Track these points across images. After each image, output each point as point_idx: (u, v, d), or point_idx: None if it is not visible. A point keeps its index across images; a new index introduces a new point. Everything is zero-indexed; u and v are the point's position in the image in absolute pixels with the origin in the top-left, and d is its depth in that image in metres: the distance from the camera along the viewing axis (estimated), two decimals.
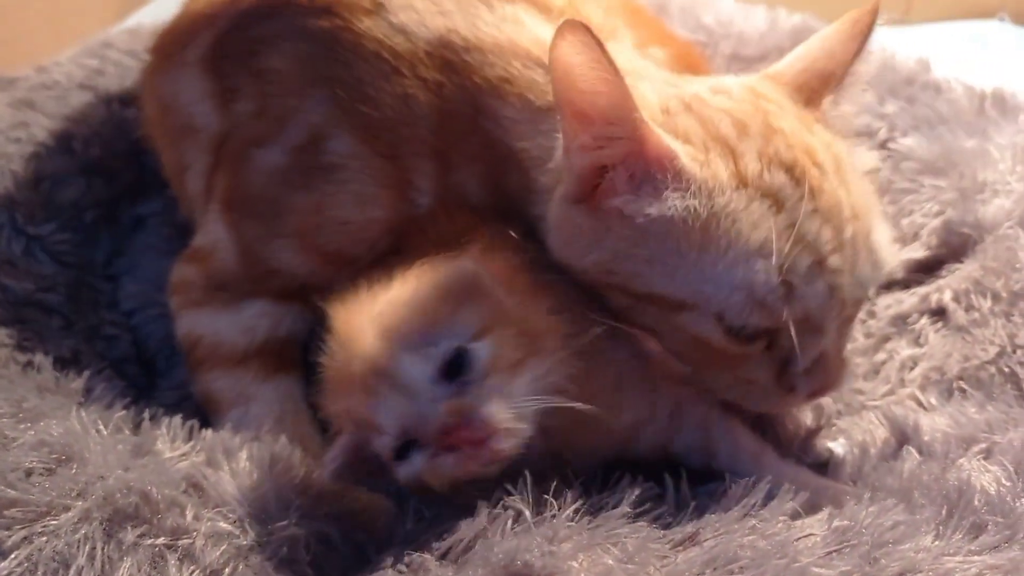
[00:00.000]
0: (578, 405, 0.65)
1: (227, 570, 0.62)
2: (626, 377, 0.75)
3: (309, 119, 0.86)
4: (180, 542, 0.63)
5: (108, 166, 1.13)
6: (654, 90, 0.76)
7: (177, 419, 0.78)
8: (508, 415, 0.64)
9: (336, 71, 0.84)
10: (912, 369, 0.91)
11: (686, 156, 0.70)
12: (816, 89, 0.79)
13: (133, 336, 1.02)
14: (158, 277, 1.01)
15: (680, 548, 0.63)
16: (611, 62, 0.66)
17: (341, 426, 0.71)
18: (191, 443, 0.76)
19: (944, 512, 0.65)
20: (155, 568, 0.62)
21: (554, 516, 0.64)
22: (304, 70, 0.87)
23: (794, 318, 0.70)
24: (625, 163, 0.71)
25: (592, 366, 0.71)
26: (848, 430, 0.85)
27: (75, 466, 0.68)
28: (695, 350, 0.74)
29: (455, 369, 0.64)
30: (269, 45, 0.88)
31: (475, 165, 0.83)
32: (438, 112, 0.82)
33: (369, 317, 0.67)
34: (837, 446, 0.84)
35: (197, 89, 0.95)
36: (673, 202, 0.69)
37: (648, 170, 0.70)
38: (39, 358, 0.88)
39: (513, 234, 0.77)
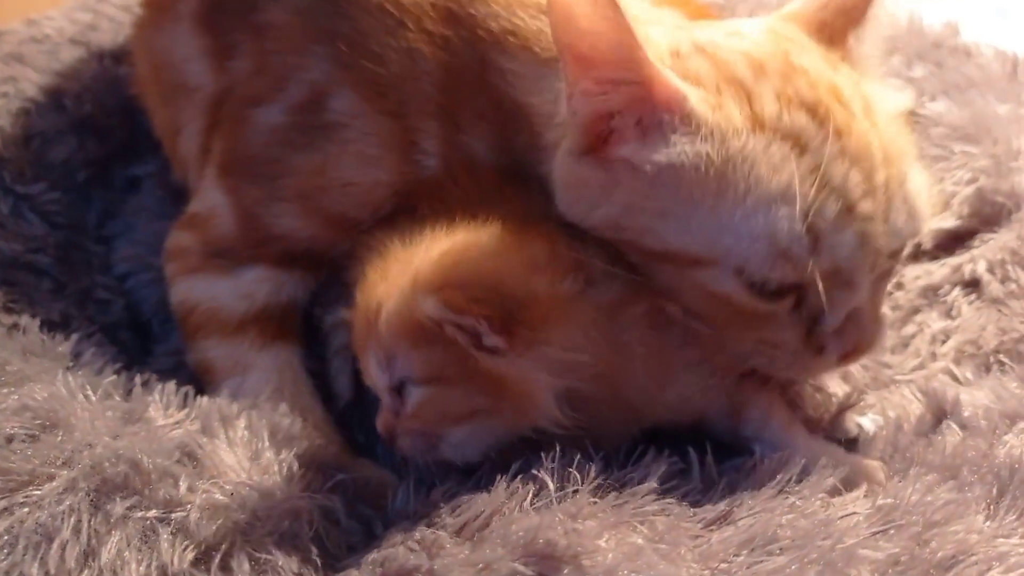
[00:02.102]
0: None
1: (224, 545, 0.58)
2: (678, 354, 0.71)
3: (310, 76, 0.82)
4: (173, 515, 0.59)
5: (100, 124, 1.10)
6: (665, 34, 0.71)
7: (171, 385, 0.74)
8: (424, 452, 0.68)
9: (339, 25, 0.80)
10: (944, 342, 0.87)
11: (696, 98, 0.66)
12: (839, 26, 0.73)
13: (126, 300, 0.99)
14: (153, 240, 0.98)
15: (713, 527, 0.59)
16: (613, 1, 0.62)
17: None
18: (185, 410, 0.72)
19: (995, 491, 0.61)
20: (146, 543, 0.57)
21: (576, 491, 0.60)
22: (305, 24, 0.83)
23: (822, 270, 0.65)
24: (631, 108, 0.66)
25: (633, 356, 0.68)
26: (877, 405, 0.81)
27: (60, 433, 0.64)
28: (716, 310, 0.69)
29: (399, 393, 0.68)
30: None
31: (482, 124, 0.79)
32: (444, 68, 0.79)
33: (376, 294, 0.69)
34: (867, 421, 0.80)
35: (191, 46, 0.91)
36: (683, 147, 0.65)
37: (656, 114, 0.66)
38: (25, 320, 0.84)
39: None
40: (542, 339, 0.64)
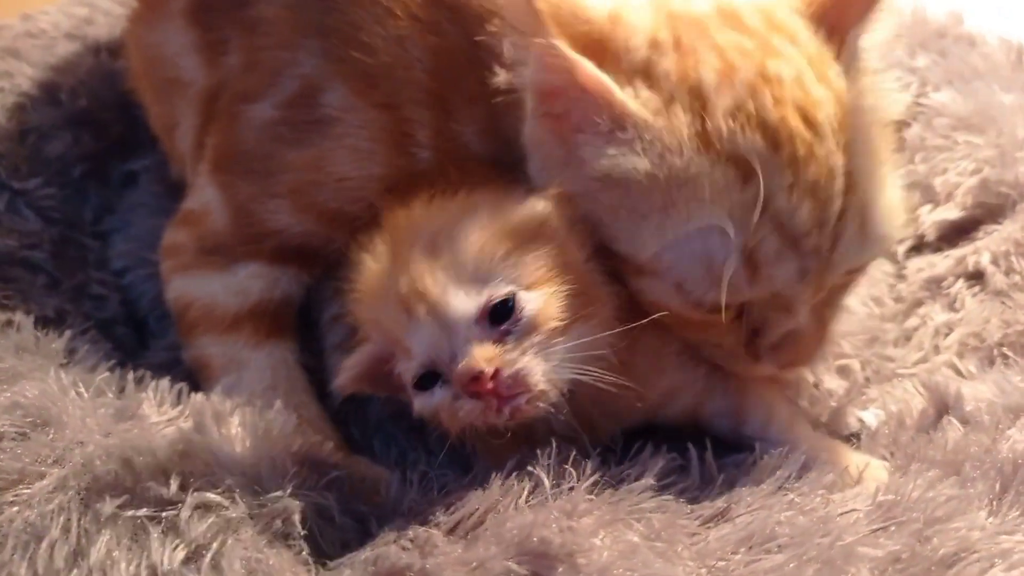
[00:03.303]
0: (614, 379, 0.61)
1: (215, 544, 0.57)
2: (666, 343, 0.71)
3: (302, 71, 0.81)
4: (164, 514, 0.58)
5: (96, 119, 1.09)
6: (654, 14, 0.69)
7: (165, 382, 0.74)
8: (541, 376, 0.60)
9: (328, 18, 0.79)
10: (947, 335, 0.86)
11: (633, 104, 0.64)
12: (839, 18, 0.70)
13: (123, 296, 0.98)
14: (150, 235, 0.97)
15: (710, 525, 0.58)
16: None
17: (368, 335, 0.68)
18: (179, 407, 0.71)
19: (998, 487, 0.60)
20: (135, 542, 0.57)
21: (572, 488, 0.59)
22: (295, 19, 0.82)
23: (759, 296, 0.65)
24: (572, 93, 0.65)
25: (635, 334, 0.66)
26: (879, 399, 0.80)
27: (52, 431, 0.63)
28: (664, 311, 0.69)
29: (501, 314, 0.61)
30: None
31: (474, 108, 0.78)
32: (434, 52, 0.78)
33: (425, 233, 0.65)
34: (868, 416, 0.79)
35: (183, 41, 0.90)
36: (625, 158, 0.64)
37: (597, 117, 0.64)
38: (19, 317, 0.83)
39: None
40: None
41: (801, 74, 0.66)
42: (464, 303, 0.61)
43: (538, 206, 0.65)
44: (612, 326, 0.64)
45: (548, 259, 0.63)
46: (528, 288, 0.62)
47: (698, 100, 0.64)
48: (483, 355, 0.60)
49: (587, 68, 0.64)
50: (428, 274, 0.62)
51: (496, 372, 0.59)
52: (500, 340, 0.61)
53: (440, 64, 0.78)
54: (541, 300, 0.61)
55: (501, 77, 0.72)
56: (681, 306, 0.67)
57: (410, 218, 0.67)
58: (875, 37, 0.72)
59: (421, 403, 0.64)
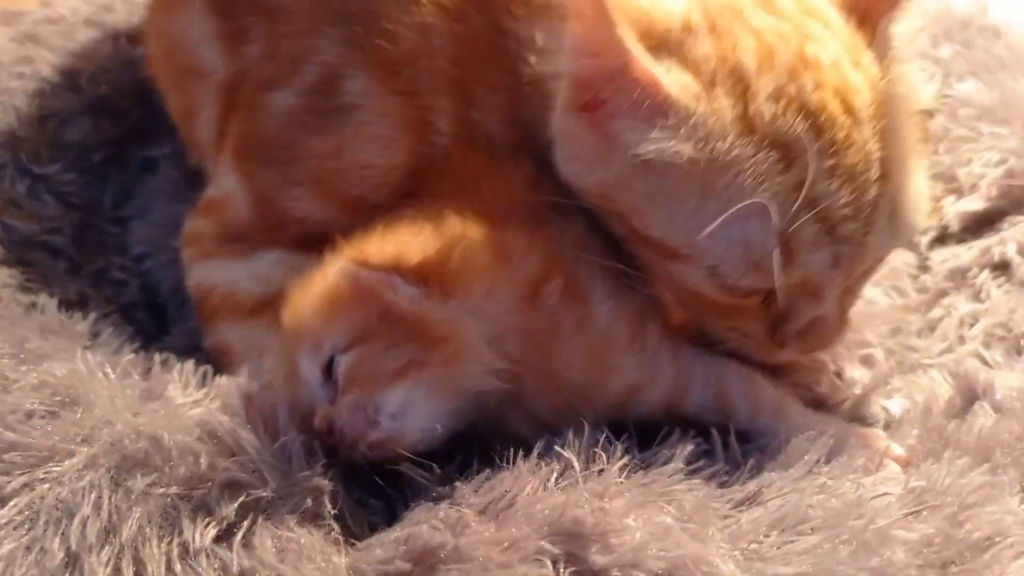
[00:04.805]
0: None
1: (245, 523, 0.57)
2: (613, 340, 0.69)
3: (324, 58, 0.81)
4: (194, 492, 0.58)
5: (115, 105, 1.09)
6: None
7: (189, 364, 0.73)
8: (364, 428, 0.63)
9: (351, 5, 0.79)
10: (972, 326, 0.86)
11: (677, 88, 0.63)
12: (872, 5, 0.70)
13: (142, 281, 0.98)
14: (169, 222, 0.97)
15: (742, 508, 0.58)
16: None
17: None
18: (204, 390, 0.70)
19: None
20: (166, 520, 0.56)
21: (602, 471, 0.59)
22: (317, 6, 0.82)
23: (791, 283, 0.65)
24: (615, 85, 0.65)
25: (561, 335, 0.67)
26: (904, 388, 0.80)
27: (80, 410, 0.63)
28: (692, 299, 0.70)
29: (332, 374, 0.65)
30: None
31: (495, 97, 0.78)
32: (458, 40, 0.77)
33: (293, 311, 0.69)
34: (894, 404, 0.79)
35: (204, 30, 0.90)
36: (667, 142, 0.63)
37: (640, 99, 0.64)
38: (43, 299, 0.83)
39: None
40: (460, 288, 0.65)
41: (838, 59, 0.66)
42: (309, 368, 0.66)
43: (344, 270, 0.66)
44: (474, 359, 0.64)
45: (356, 319, 0.65)
46: (343, 350, 0.65)
47: (740, 84, 0.64)
48: (320, 415, 0.64)
49: (642, 58, 0.63)
50: (288, 346, 0.68)
51: (328, 427, 0.63)
52: (333, 400, 0.65)
53: (463, 52, 0.77)
54: (351, 359, 0.64)
55: (531, 65, 0.72)
56: (714, 291, 0.66)
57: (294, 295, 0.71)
58: (901, 27, 0.72)
59: None
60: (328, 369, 0.65)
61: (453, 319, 0.65)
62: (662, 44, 0.65)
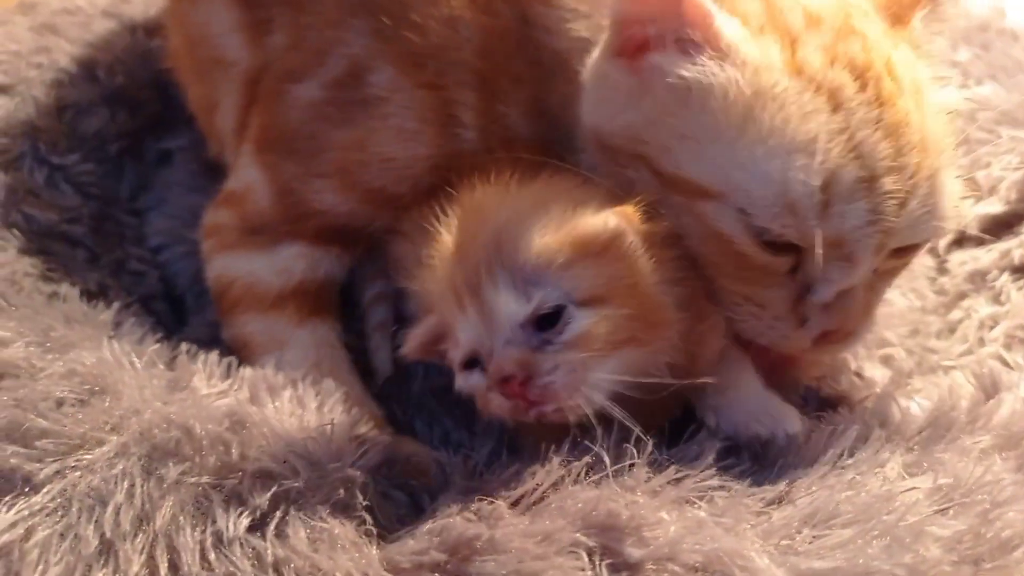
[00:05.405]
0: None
1: (277, 513, 0.57)
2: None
3: (349, 51, 0.81)
4: (226, 482, 0.58)
5: (132, 96, 1.09)
6: None
7: (213, 355, 0.74)
8: (571, 391, 0.60)
9: None
10: (992, 328, 0.86)
11: (727, 24, 0.64)
12: (906, 4, 0.72)
13: (161, 272, 0.98)
14: (186, 213, 0.98)
15: (773, 506, 0.58)
16: None
17: (428, 307, 0.68)
18: (229, 380, 0.71)
19: None
20: (199, 509, 0.56)
21: (632, 466, 0.59)
22: None
23: (825, 236, 0.63)
24: (664, 19, 0.65)
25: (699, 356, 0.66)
26: (924, 389, 0.80)
27: (108, 399, 0.63)
28: (716, 251, 0.67)
29: (547, 323, 0.60)
30: None
31: (520, 89, 0.78)
32: (485, 32, 0.78)
33: (492, 223, 0.64)
34: (914, 406, 0.78)
35: (227, 20, 0.90)
36: (712, 69, 0.64)
37: (687, 31, 0.65)
38: (65, 288, 0.83)
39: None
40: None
41: (881, 37, 0.67)
42: (511, 306, 0.61)
43: (611, 221, 0.63)
44: (671, 350, 0.63)
45: (610, 277, 0.62)
46: (581, 303, 0.61)
47: (788, 35, 0.65)
48: (517, 360, 0.60)
49: None
50: (484, 270, 0.62)
51: (526, 379, 0.59)
52: (541, 348, 0.60)
53: (489, 45, 0.78)
54: (591, 319, 0.60)
55: (558, 46, 0.72)
56: (742, 236, 0.65)
57: (483, 201, 0.66)
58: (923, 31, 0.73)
59: (461, 382, 0.65)
60: (543, 317, 0.60)
61: (671, 307, 0.64)
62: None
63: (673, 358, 0.64)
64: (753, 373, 0.71)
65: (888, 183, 0.64)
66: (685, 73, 0.64)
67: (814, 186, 0.62)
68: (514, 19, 0.77)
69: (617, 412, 0.60)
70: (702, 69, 0.64)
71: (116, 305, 0.83)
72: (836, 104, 0.63)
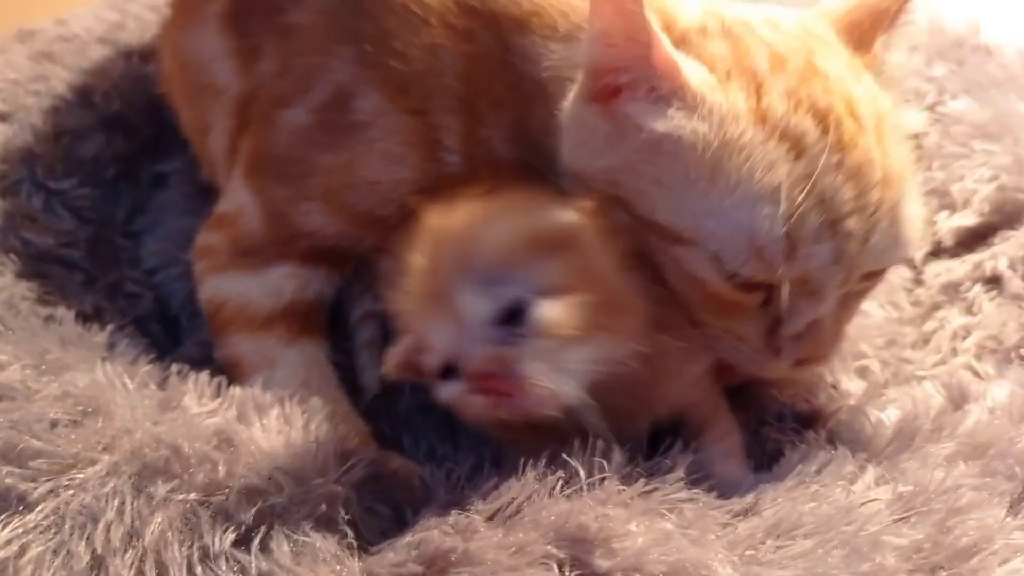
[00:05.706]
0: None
1: (262, 528, 0.59)
2: (693, 363, 0.72)
3: (335, 76, 0.83)
4: (213, 498, 0.60)
5: (128, 121, 1.11)
6: (698, 9, 0.72)
7: (204, 375, 0.75)
8: (546, 379, 0.61)
9: (363, 25, 0.81)
10: (965, 338, 0.87)
11: (695, 75, 0.66)
12: (868, 28, 0.74)
13: (155, 294, 1.00)
14: (180, 235, 0.99)
15: (740, 518, 0.60)
16: None
17: (405, 326, 0.70)
18: (219, 400, 0.73)
19: (1018, 482, 0.62)
20: (187, 525, 0.59)
21: (604, 479, 0.61)
22: (330, 25, 0.84)
23: (792, 277, 0.66)
24: (636, 70, 0.67)
25: (663, 352, 0.68)
26: (898, 400, 0.82)
27: (101, 419, 0.65)
28: (692, 290, 0.70)
29: (514, 318, 0.61)
30: (294, 1, 0.85)
31: (500, 113, 0.80)
32: (466, 59, 0.80)
33: (457, 234, 0.66)
34: (885, 416, 0.80)
35: (218, 47, 0.92)
36: (680, 121, 0.66)
37: (658, 82, 0.67)
38: (61, 311, 0.85)
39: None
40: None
41: (843, 74, 0.70)
42: (479, 305, 0.62)
43: (567, 215, 0.66)
44: (638, 339, 0.65)
45: (570, 268, 0.64)
46: (545, 295, 0.62)
47: (753, 81, 0.67)
48: (487, 355, 0.61)
49: (664, 44, 0.66)
50: (448, 272, 0.64)
51: (499, 371, 0.61)
52: (512, 342, 0.61)
53: (471, 71, 0.79)
54: (555, 308, 0.62)
55: (538, 74, 0.74)
56: (715, 279, 0.67)
57: (449, 217, 0.68)
58: (893, 53, 0.76)
59: (442, 393, 0.66)
60: (508, 312, 0.61)
61: (637, 294, 0.66)
62: (681, 41, 0.68)
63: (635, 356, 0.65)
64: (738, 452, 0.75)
65: (851, 224, 0.66)
66: (657, 127, 0.66)
67: (779, 234, 0.64)
68: (494, 46, 0.79)
69: (590, 416, 0.62)
70: (671, 122, 0.66)
71: (110, 327, 0.85)
72: (799, 151, 0.65)
